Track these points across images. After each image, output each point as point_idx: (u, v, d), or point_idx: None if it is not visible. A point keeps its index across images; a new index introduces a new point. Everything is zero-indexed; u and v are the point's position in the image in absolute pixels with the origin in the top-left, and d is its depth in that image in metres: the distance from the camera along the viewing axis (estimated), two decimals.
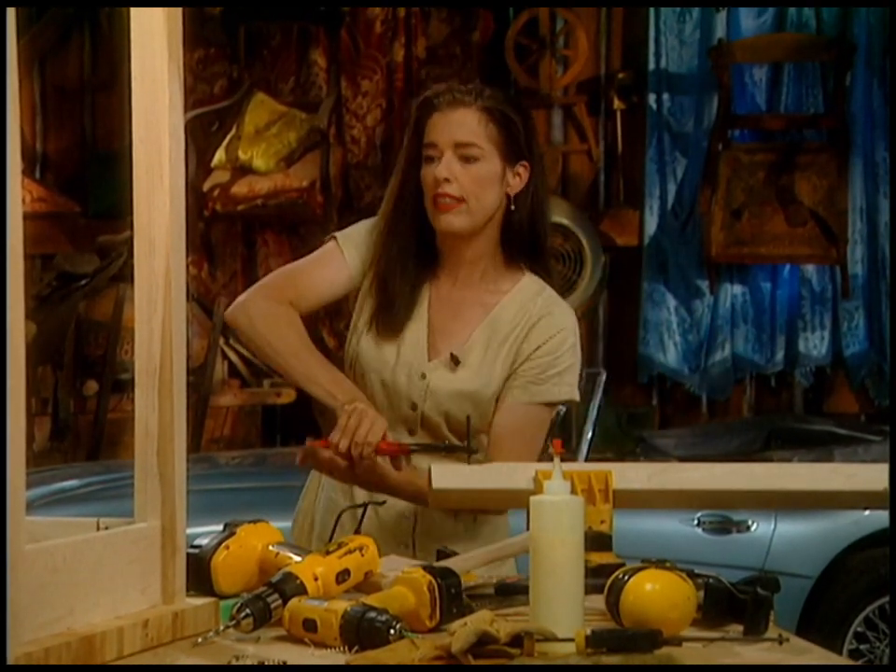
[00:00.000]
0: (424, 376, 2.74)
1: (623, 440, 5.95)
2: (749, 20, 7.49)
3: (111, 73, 7.37)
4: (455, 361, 2.74)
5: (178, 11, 2.05)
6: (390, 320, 2.77)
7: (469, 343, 2.76)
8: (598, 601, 2.13)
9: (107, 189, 7.30)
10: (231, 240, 7.73)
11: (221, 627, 2.05)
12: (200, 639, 2.02)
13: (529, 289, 2.79)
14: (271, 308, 2.75)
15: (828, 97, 7.42)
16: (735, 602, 2.11)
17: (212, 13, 7.34)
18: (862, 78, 7.40)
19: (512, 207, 2.75)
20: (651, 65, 7.52)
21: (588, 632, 1.95)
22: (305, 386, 2.74)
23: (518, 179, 2.74)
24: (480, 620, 1.94)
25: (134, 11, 2.04)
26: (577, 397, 2.81)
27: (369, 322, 2.79)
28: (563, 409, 2.92)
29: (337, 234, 2.84)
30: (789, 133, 7.45)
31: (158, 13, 2.03)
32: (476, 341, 2.77)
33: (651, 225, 7.56)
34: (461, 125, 2.70)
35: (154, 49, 2.05)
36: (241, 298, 2.81)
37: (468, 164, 2.70)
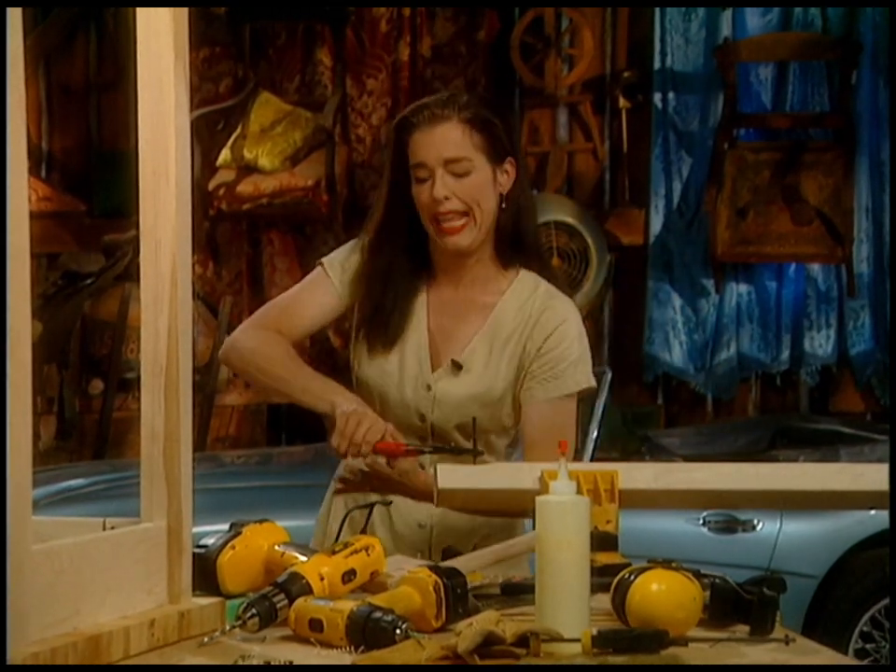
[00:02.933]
0: (429, 388, 2.76)
1: (628, 439, 5.94)
2: (754, 18, 7.50)
3: (116, 73, 7.38)
4: (458, 366, 2.76)
5: (184, 12, 2.05)
6: (383, 332, 2.79)
7: (471, 346, 2.78)
8: (604, 601, 2.14)
9: (113, 189, 7.31)
10: (236, 239, 7.74)
11: (227, 627, 2.06)
12: (206, 639, 2.02)
13: (526, 287, 2.80)
14: (258, 336, 2.80)
15: (834, 96, 7.42)
16: (741, 602, 2.11)
17: (217, 12, 7.35)
18: (868, 77, 7.41)
19: (503, 206, 2.76)
20: (657, 64, 7.52)
21: (594, 632, 1.96)
22: (300, 398, 2.76)
23: (507, 177, 2.76)
24: (486, 620, 1.95)
25: (141, 12, 2.04)
26: (594, 384, 2.83)
27: (365, 339, 2.81)
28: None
29: (323, 259, 2.87)
30: (794, 131, 7.45)
31: (164, 13, 2.03)
32: (478, 344, 2.78)
33: (657, 224, 7.56)
34: (446, 141, 2.71)
35: (160, 50, 2.05)
36: (231, 336, 2.86)
37: (461, 178, 2.72)
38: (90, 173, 7.69)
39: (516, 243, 2.80)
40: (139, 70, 2.06)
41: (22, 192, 1.77)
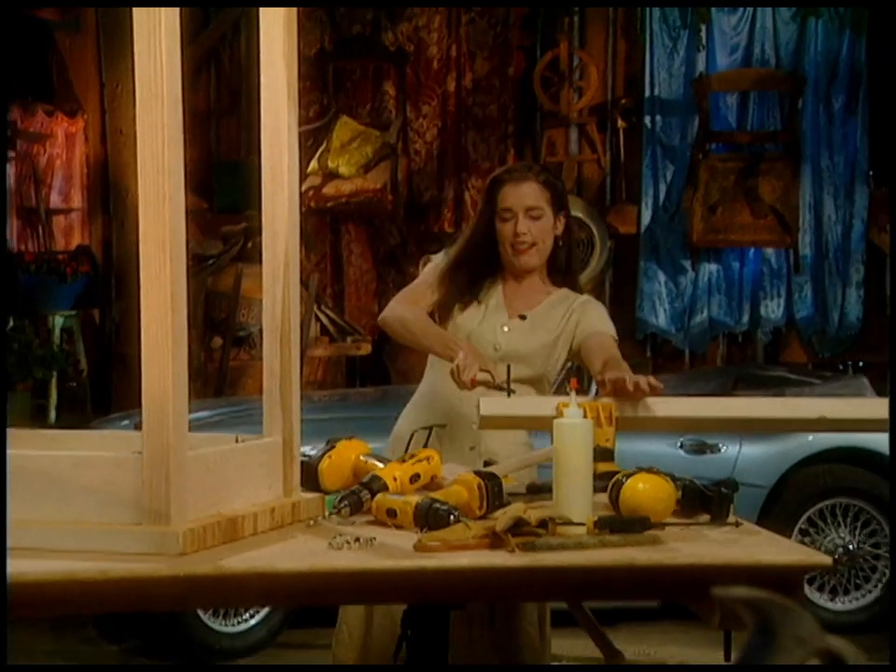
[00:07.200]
0: (504, 326, 3.00)
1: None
2: (723, 57, 7.48)
3: (231, 102, 7.41)
4: (523, 317, 3.00)
5: (294, 63, 2.11)
6: (473, 294, 3.02)
7: (537, 308, 3.02)
8: (603, 497, 2.22)
9: (228, 191, 7.33)
10: (321, 230, 7.78)
11: (326, 514, 2.15)
12: (311, 522, 2.11)
13: (568, 295, 3.06)
14: (405, 307, 2.97)
15: (784, 118, 7.42)
16: (704, 498, 2.19)
17: (308, 55, 7.39)
18: (811, 103, 7.41)
19: (560, 244, 3.03)
20: (647, 93, 7.52)
21: (595, 518, 2.04)
22: (432, 347, 2.92)
23: (560, 224, 3.02)
24: (516, 509, 2.02)
25: (264, 64, 2.11)
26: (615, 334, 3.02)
27: (459, 300, 3.01)
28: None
29: (431, 257, 3.11)
30: (753, 145, 7.45)
31: (281, 65, 2.10)
32: (541, 308, 3.03)
33: (646, 217, 7.58)
34: (528, 194, 2.99)
35: (277, 89, 2.13)
36: (388, 308, 2.99)
37: (535, 221, 2.98)
38: (210, 178, 7.75)
39: (564, 271, 3.06)
40: (262, 102, 2.13)
41: (180, 193, 1.84)
